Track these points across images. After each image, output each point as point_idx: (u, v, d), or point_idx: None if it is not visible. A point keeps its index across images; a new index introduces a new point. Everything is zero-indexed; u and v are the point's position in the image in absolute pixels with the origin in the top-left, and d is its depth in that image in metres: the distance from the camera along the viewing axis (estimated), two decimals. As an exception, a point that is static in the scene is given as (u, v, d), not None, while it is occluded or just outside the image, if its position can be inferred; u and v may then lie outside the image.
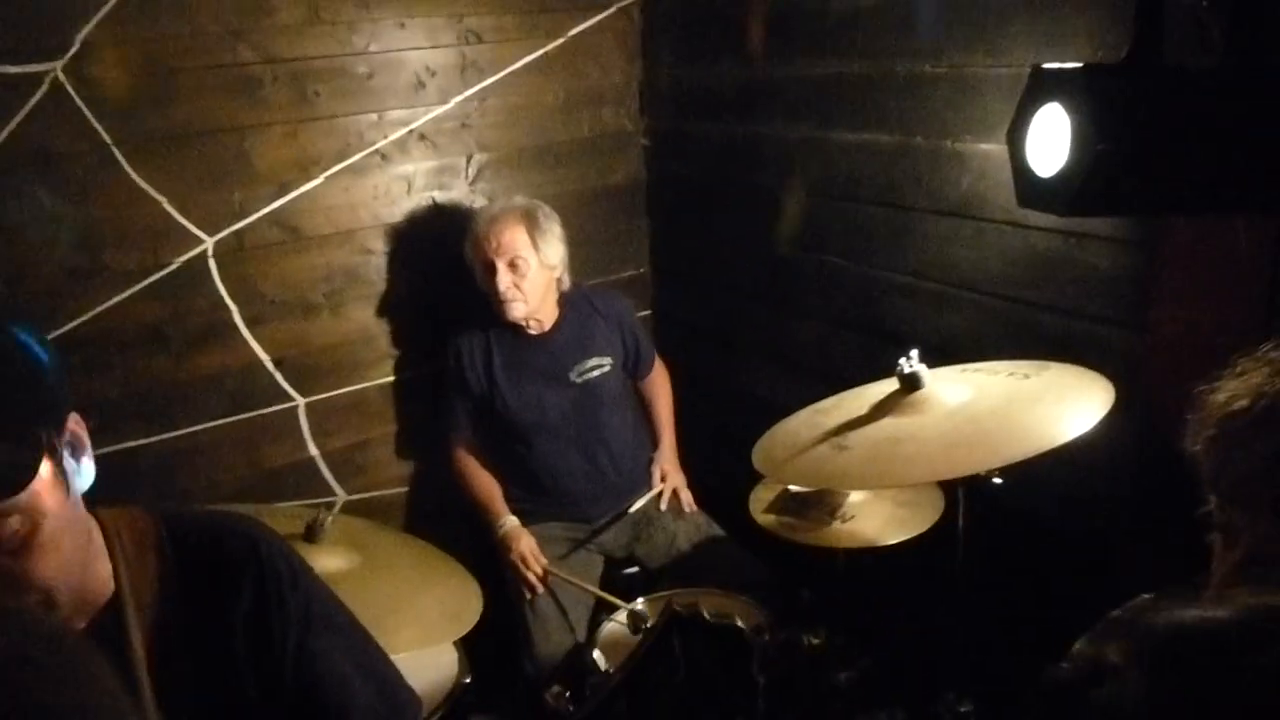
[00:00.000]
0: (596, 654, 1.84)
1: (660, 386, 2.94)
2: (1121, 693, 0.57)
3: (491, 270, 2.52)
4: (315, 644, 1.12)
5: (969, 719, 1.92)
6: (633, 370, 2.84)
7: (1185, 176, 0.97)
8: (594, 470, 2.69)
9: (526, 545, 2.52)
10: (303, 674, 1.11)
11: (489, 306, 2.60)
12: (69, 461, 0.99)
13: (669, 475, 2.78)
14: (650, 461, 2.83)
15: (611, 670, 1.38)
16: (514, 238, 2.52)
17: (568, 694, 1.53)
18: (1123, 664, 0.59)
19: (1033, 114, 1.09)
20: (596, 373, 2.69)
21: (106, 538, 1.08)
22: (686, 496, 2.76)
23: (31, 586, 0.94)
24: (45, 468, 0.95)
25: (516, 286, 2.52)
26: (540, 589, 2.48)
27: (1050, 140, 1.06)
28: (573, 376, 2.66)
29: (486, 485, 2.68)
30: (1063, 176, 1.03)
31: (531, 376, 2.64)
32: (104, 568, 1.05)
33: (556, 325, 2.66)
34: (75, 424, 1.02)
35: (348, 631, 1.20)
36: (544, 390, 2.64)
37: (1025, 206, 1.15)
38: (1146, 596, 0.66)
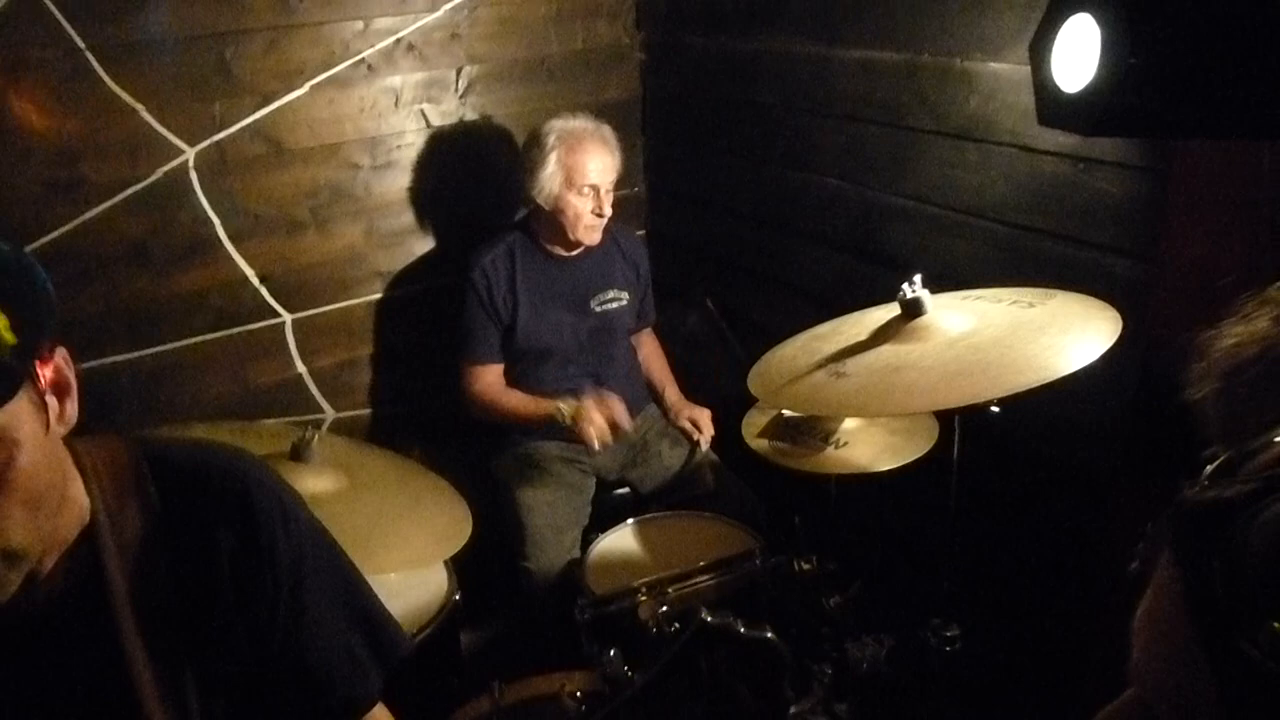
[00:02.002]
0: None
1: (656, 344, 2.95)
2: None
3: (593, 193, 2.50)
4: (305, 593, 1.07)
5: (955, 644, 1.94)
6: (635, 318, 2.81)
7: (1224, 96, 0.91)
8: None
9: (600, 407, 2.45)
10: (292, 623, 1.06)
11: (516, 226, 2.63)
12: (50, 399, 0.90)
13: (699, 418, 2.73)
14: (642, 385, 2.83)
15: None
16: (614, 161, 2.53)
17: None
18: None
19: (1059, 24, 1.02)
20: (614, 305, 2.69)
21: (82, 472, 0.98)
22: (710, 429, 2.72)
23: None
24: (24, 393, 0.85)
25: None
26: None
27: (1077, 53, 1.00)
28: (593, 305, 2.65)
29: (522, 396, 2.62)
30: (1089, 92, 0.97)
31: (554, 301, 2.62)
32: (78, 502, 0.96)
33: (585, 252, 2.64)
34: (63, 360, 0.92)
35: (338, 574, 1.14)
36: (564, 315, 2.62)
37: (1046, 125, 1.09)
38: None
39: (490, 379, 2.64)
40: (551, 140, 2.49)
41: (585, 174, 2.47)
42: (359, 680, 1.14)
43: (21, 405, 0.85)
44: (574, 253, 2.62)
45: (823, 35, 2.42)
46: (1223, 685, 0.48)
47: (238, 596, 1.02)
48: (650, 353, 2.93)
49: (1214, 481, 0.54)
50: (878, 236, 2.41)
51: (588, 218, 2.51)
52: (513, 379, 2.66)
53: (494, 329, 2.60)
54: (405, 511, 1.93)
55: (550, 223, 2.55)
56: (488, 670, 1.95)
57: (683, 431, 2.72)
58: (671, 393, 2.85)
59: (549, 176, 2.48)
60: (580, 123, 2.53)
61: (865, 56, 2.32)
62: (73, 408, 0.92)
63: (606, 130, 2.55)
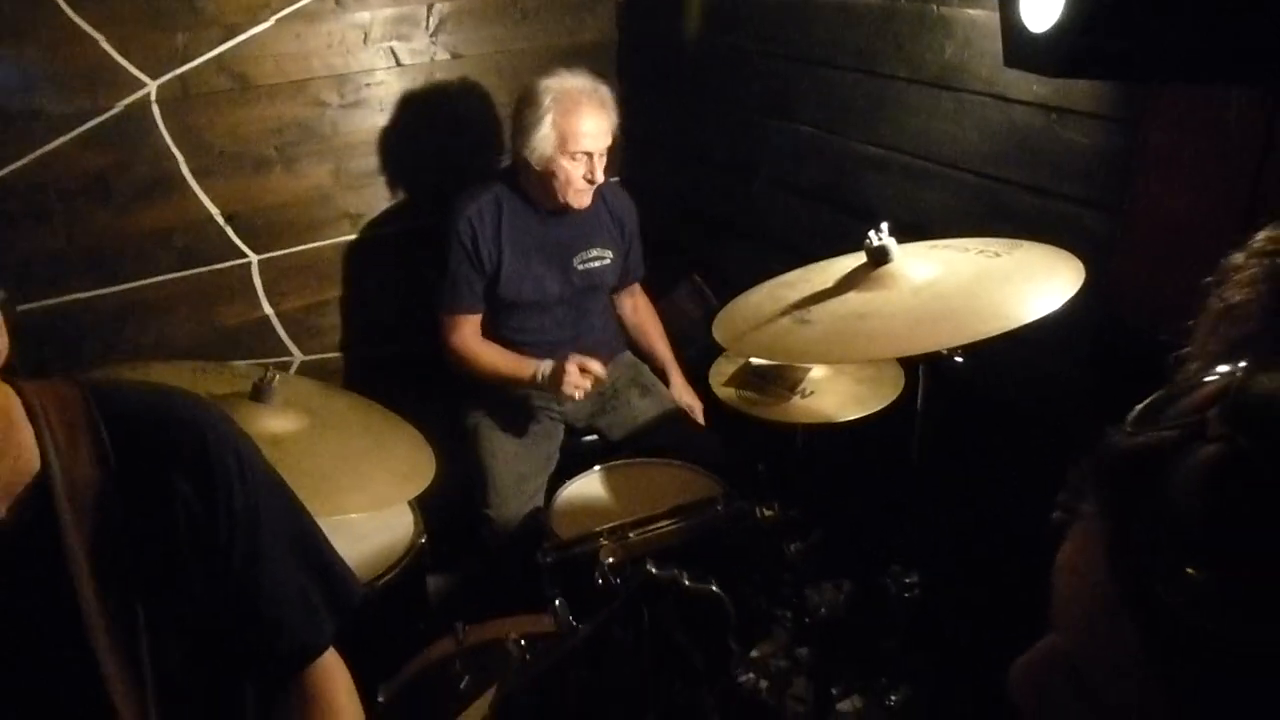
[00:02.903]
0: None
1: (649, 308, 2.90)
2: (1232, 457, 0.47)
3: (587, 158, 2.43)
4: (260, 540, 1.06)
5: (914, 591, 1.96)
6: (620, 276, 2.77)
7: (1186, 38, 0.90)
8: (576, 350, 2.64)
9: (575, 359, 2.41)
10: (246, 570, 1.05)
11: (501, 175, 2.58)
12: None
13: (695, 406, 2.72)
14: (617, 332, 2.83)
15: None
16: (610, 124, 2.45)
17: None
18: (1228, 430, 0.48)
19: (1027, -37, 1.01)
20: (597, 264, 2.65)
21: (31, 415, 0.94)
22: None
23: None
24: None
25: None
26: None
27: (1045, -8, 0.99)
28: (576, 263, 2.61)
29: (503, 353, 2.59)
30: (1056, 32, 0.96)
31: (538, 256, 2.57)
32: (26, 447, 0.93)
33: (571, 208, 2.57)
34: None
35: (293, 522, 1.14)
36: (547, 271, 2.58)
37: (1012, 66, 1.08)
38: (1228, 367, 0.52)
39: (470, 330, 2.61)
40: (547, 101, 2.40)
41: (580, 139, 2.40)
42: (312, 627, 1.14)
43: None
44: (559, 208, 2.56)
45: (801, -22, 2.38)
46: (1145, 635, 0.48)
47: (192, 543, 1.01)
48: (646, 320, 2.88)
49: (1138, 426, 0.54)
50: (851, 186, 2.39)
51: (578, 182, 2.45)
52: (488, 326, 2.64)
53: (477, 279, 2.55)
54: (367, 453, 1.92)
55: (538, 181, 2.49)
56: (453, 613, 1.97)
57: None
58: (676, 378, 2.81)
59: (542, 138, 2.40)
60: (578, 82, 2.44)
61: (842, 1, 2.28)
62: (2, 342, 0.89)
63: (604, 91, 2.46)
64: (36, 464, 0.93)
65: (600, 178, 2.47)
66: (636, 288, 2.89)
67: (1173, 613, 0.46)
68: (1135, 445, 0.51)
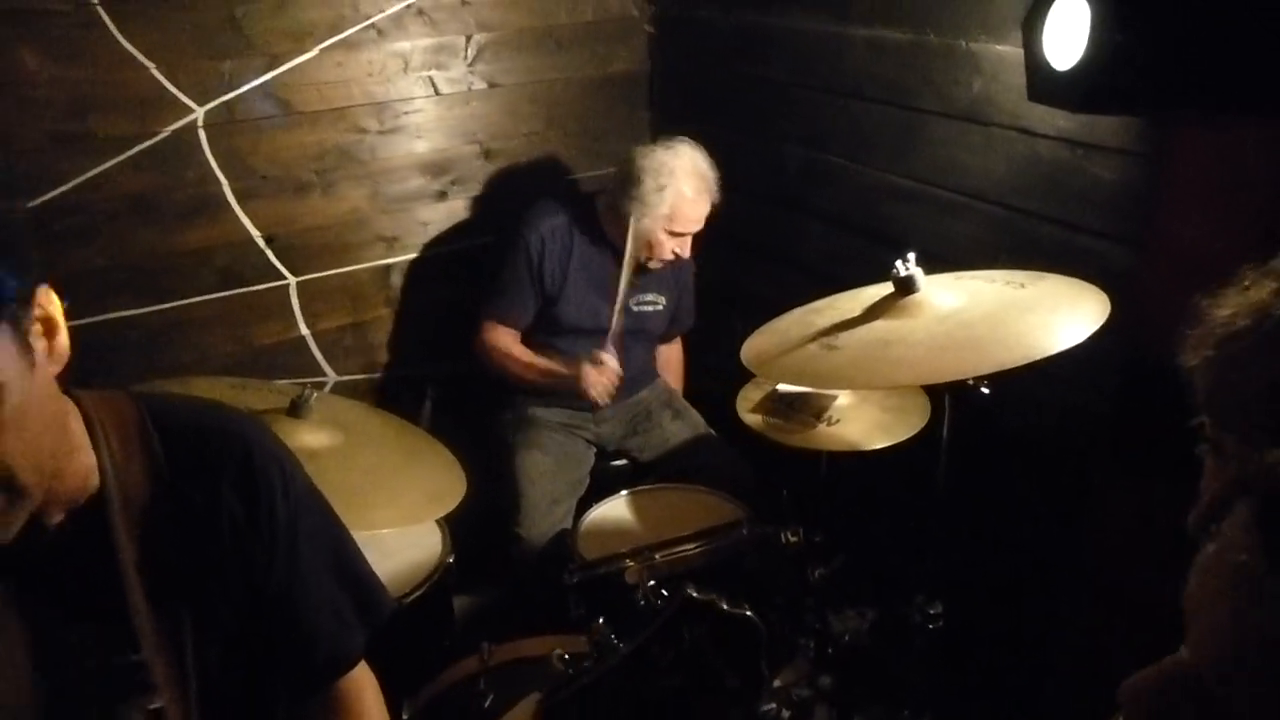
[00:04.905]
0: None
1: (679, 355, 2.97)
2: None
3: (681, 239, 2.52)
4: (299, 553, 1.10)
5: (938, 621, 1.96)
6: (668, 323, 2.83)
7: (1204, 74, 0.92)
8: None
9: (588, 364, 2.49)
10: (285, 581, 1.09)
11: (583, 200, 2.66)
12: (37, 339, 0.88)
13: None
14: (653, 373, 2.86)
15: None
16: (705, 215, 2.53)
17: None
18: None
19: (1051, 2, 1.04)
20: (649, 309, 2.71)
21: (89, 426, 0.98)
22: None
23: None
24: (6, 333, 0.83)
25: None
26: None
27: (1068, 31, 1.01)
28: (631, 304, 2.65)
29: (540, 357, 2.64)
30: (1078, 69, 0.98)
31: (598, 288, 2.62)
32: (85, 460, 0.97)
33: None
34: (46, 299, 0.89)
35: (330, 536, 1.18)
36: (603, 305, 2.62)
37: (1036, 101, 1.11)
38: None
39: (509, 337, 2.65)
40: (672, 176, 2.45)
41: (688, 223, 2.49)
42: (345, 639, 1.17)
43: (4, 345, 0.83)
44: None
45: (831, 12, 2.42)
46: None
47: (236, 554, 1.05)
48: (673, 375, 2.94)
49: None
50: (880, 216, 2.42)
51: (666, 255, 2.53)
52: (534, 343, 2.67)
53: (533, 297, 2.60)
54: (400, 470, 1.95)
55: (621, 228, 2.52)
56: (478, 632, 1.99)
57: None
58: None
59: (653, 206, 2.45)
60: (703, 167, 2.50)
61: (873, 34, 2.32)
62: (62, 343, 0.91)
63: (714, 178, 2.53)
64: (93, 473, 0.97)
65: (686, 255, 2.55)
66: (676, 338, 2.93)
67: None
68: None
